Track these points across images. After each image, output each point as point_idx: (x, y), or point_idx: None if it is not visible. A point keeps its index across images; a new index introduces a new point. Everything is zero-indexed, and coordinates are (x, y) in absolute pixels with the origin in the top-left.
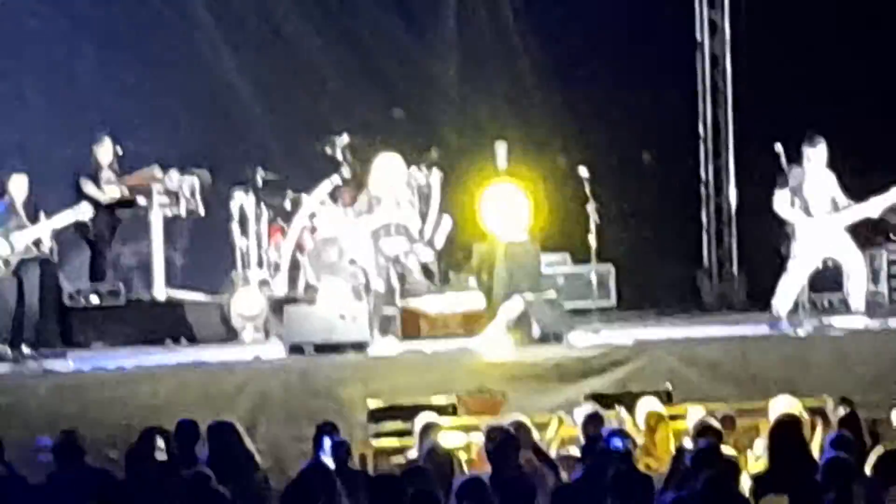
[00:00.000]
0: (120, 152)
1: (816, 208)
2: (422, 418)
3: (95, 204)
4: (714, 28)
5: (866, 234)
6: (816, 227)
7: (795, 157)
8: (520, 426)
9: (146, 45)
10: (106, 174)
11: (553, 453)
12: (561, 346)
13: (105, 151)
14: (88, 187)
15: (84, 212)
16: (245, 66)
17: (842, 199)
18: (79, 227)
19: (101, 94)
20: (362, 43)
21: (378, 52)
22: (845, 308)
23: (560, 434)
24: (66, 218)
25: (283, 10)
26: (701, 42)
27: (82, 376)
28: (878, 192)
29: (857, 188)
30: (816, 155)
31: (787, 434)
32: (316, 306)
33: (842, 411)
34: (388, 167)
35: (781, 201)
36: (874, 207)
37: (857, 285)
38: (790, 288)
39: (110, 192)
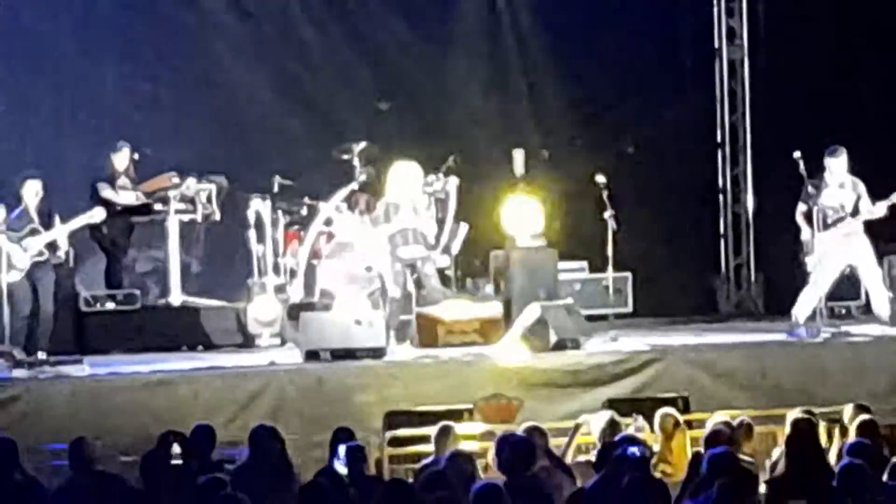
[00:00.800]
0: (136, 158)
1: (836, 218)
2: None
3: (112, 209)
4: (732, 35)
5: (884, 240)
6: (835, 237)
7: (814, 166)
8: (536, 432)
9: (164, 52)
10: (122, 181)
11: (569, 460)
12: (578, 352)
13: (122, 158)
14: (105, 191)
15: (96, 215)
16: (263, 74)
17: (868, 205)
18: (95, 232)
19: (118, 101)
20: (380, 52)
21: (396, 60)
22: (863, 316)
23: (576, 440)
24: (78, 222)
25: (301, 19)
26: (719, 49)
27: (98, 382)
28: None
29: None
30: (837, 165)
31: (803, 439)
32: (332, 312)
33: (859, 419)
34: (405, 175)
35: (802, 213)
36: (879, 209)
37: (879, 295)
38: (811, 297)
39: (126, 197)
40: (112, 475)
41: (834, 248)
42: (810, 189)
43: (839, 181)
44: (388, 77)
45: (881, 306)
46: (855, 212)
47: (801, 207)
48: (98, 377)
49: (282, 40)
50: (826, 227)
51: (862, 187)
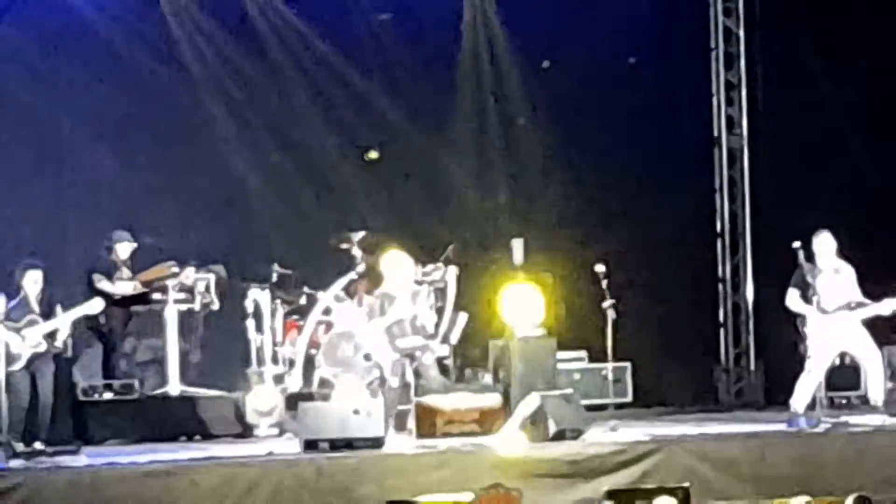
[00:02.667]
0: (136, 247)
1: (829, 303)
2: None
3: (110, 300)
4: (731, 124)
5: (884, 331)
6: (831, 323)
7: (812, 255)
8: None
9: (163, 142)
10: (122, 271)
11: None
12: (577, 443)
13: (125, 249)
14: (101, 283)
15: (95, 306)
16: (261, 164)
17: (857, 294)
18: (93, 321)
19: (117, 187)
20: (377, 140)
21: (394, 148)
22: (863, 405)
23: None
24: (77, 312)
25: (296, 111)
26: (718, 137)
27: (96, 472)
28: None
29: (877, 281)
30: (824, 247)
31: None
32: (331, 402)
33: None
34: (396, 265)
35: (793, 297)
36: (887, 306)
37: (875, 380)
38: (808, 386)
39: (122, 287)
40: None
41: (830, 334)
42: (806, 275)
43: (833, 266)
44: (387, 166)
45: (876, 391)
46: (852, 303)
47: (794, 293)
48: (95, 467)
49: (281, 133)
50: (825, 313)
51: (853, 274)
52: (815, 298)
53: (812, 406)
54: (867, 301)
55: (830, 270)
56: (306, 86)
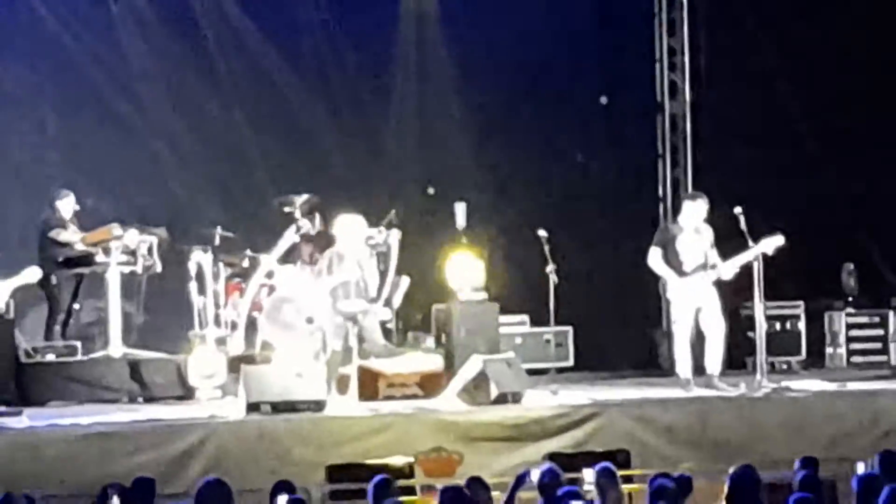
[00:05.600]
0: (78, 209)
1: (689, 265)
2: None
3: (54, 263)
4: (674, 90)
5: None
6: (688, 284)
7: (755, 220)
8: (477, 485)
9: (105, 105)
10: (71, 229)
11: None
12: (519, 406)
13: (67, 206)
14: (63, 235)
15: (33, 275)
16: (203, 126)
17: (713, 256)
18: (40, 282)
19: (59, 153)
20: (322, 104)
21: (338, 113)
22: (804, 371)
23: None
24: (15, 282)
25: (242, 73)
26: (661, 102)
27: (37, 434)
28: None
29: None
30: (695, 211)
31: (743, 495)
32: (273, 365)
33: (801, 473)
34: (350, 227)
35: (654, 256)
36: (730, 269)
37: (714, 350)
38: (684, 352)
39: (73, 237)
40: None
41: (688, 296)
42: (667, 232)
43: (695, 226)
44: (333, 130)
45: (714, 362)
46: (706, 265)
47: (657, 252)
48: (37, 429)
49: (224, 95)
50: (682, 274)
51: (711, 236)
52: (673, 258)
53: (752, 371)
54: (720, 260)
55: (691, 230)
56: (251, 52)
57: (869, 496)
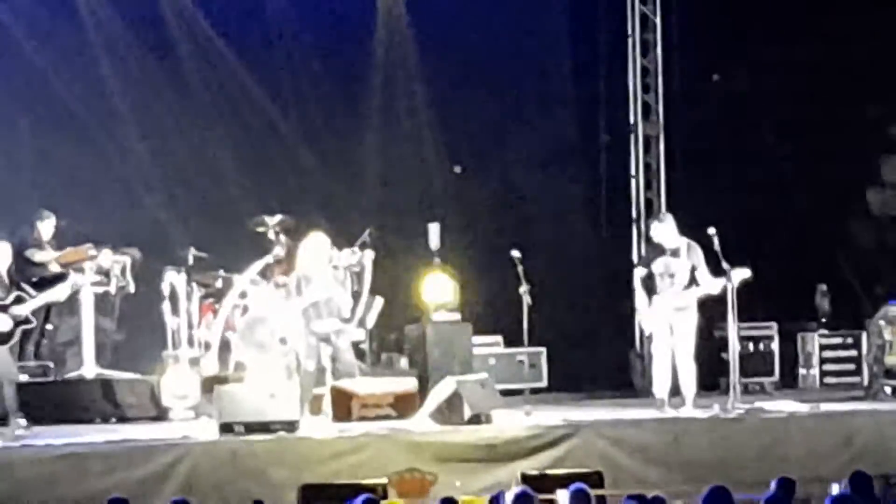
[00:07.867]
0: (54, 230)
1: (664, 285)
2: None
3: (28, 280)
4: (647, 111)
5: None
6: (662, 306)
7: (729, 241)
8: None
9: (81, 126)
10: (46, 249)
11: None
12: (492, 427)
13: (48, 227)
14: (38, 255)
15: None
16: (176, 147)
17: (702, 273)
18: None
19: (32, 173)
20: (295, 124)
21: (312, 134)
22: (777, 392)
23: None
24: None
25: (215, 93)
26: (635, 123)
27: (10, 454)
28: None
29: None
30: (663, 231)
31: None
32: (246, 385)
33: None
34: (313, 247)
35: (637, 277)
36: (716, 286)
37: (686, 371)
38: (661, 372)
39: (48, 256)
40: None
41: (663, 317)
42: (652, 253)
43: (671, 248)
44: (304, 148)
45: (688, 394)
46: (690, 283)
47: (640, 272)
48: (10, 449)
49: (197, 119)
50: (658, 294)
51: (699, 255)
52: (652, 280)
53: (726, 391)
54: (698, 282)
55: (668, 252)
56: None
57: None
